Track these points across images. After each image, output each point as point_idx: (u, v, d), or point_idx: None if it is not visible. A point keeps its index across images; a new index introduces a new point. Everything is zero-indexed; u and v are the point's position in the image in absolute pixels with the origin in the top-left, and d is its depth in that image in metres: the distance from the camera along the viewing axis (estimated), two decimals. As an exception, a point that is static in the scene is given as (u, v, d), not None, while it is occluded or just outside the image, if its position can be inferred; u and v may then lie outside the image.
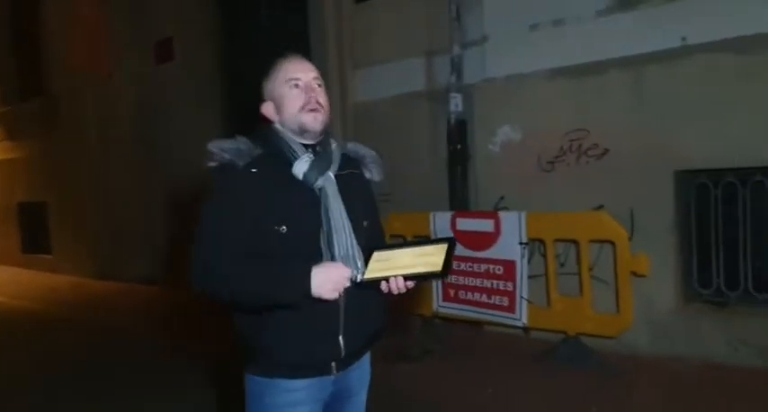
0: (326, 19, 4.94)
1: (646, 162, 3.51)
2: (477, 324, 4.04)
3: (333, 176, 1.47)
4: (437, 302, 3.99)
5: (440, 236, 3.88)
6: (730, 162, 3.34)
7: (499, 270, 3.68)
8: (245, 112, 5.93)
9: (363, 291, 1.43)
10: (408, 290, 1.41)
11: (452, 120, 4.30)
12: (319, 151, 1.48)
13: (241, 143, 1.44)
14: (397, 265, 1.41)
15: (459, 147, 4.30)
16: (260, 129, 1.53)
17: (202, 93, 6.19)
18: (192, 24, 6.23)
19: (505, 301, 3.67)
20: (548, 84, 3.87)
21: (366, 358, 1.61)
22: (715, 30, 3.26)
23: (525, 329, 3.77)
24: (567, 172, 3.81)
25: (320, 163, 1.46)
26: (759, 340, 3.23)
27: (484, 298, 3.76)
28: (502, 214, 3.70)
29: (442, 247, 1.41)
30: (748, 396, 2.95)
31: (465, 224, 3.84)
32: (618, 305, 3.34)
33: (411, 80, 4.55)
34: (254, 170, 1.41)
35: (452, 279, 3.87)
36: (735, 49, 3.20)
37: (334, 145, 1.54)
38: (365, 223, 1.53)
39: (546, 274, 3.60)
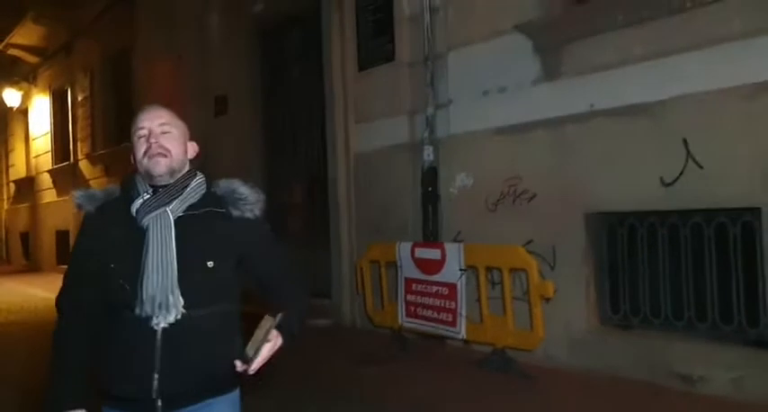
0: (335, 83, 6.04)
1: (564, 205, 4.23)
2: (439, 337, 4.83)
3: (170, 215, 1.49)
4: (402, 317, 4.84)
5: (403, 262, 4.78)
6: (631, 205, 4.00)
7: (445, 291, 4.49)
8: (279, 155, 7.19)
9: (191, 332, 1.46)
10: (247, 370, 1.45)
11: (425, 167, 5.20)
12: (160, 191, 1.52)
13: (98, 190, 1.62)
14: (254, 337, 1.43)
15: (430, 189, 5.18)
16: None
17: (246, 139, 7.49)
18: (241, 84, 7.58)
19: (450, 317, 4.46)
20: (493, 139, 4.69)
21: (215, 405, 1.55)
22: (614, 98, 3.99)
23: (465, 341, 4.52)
24: (506, 212, 4.58)
25: (152, 201, 1.50)
26: (654, 358, 3.81)
27: (434, 314, 4.57)
28: (446, 245, 4.54)
29: (267, 323, 1.42)
30: (635, 406, 3.50)
31: (421, 252, 4.70)
32: (531, 323, 4.05)
33: (397, 134, 5.48)
34: (102, 212, 1.56)
35: (412, 298, 4.73)
36: (627, 113, 3.91)
37: (194, 183, 1.57)
38: (210, 263, 1.50)
39: (478, 295, 4.36)
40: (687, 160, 3.63)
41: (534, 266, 4.02)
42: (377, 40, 5.70)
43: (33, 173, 14.31)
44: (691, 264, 3.77)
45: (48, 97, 13.59)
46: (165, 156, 1.53)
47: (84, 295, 1.53)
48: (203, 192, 1.58)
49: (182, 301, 1.46)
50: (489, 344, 4.27)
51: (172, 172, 1.55)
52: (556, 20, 4.33)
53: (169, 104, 6.81)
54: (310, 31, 6.50)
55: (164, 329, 1.45)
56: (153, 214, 1.49)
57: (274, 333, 1.46)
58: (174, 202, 1.52)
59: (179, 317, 1.46)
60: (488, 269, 4.36)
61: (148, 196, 1.52)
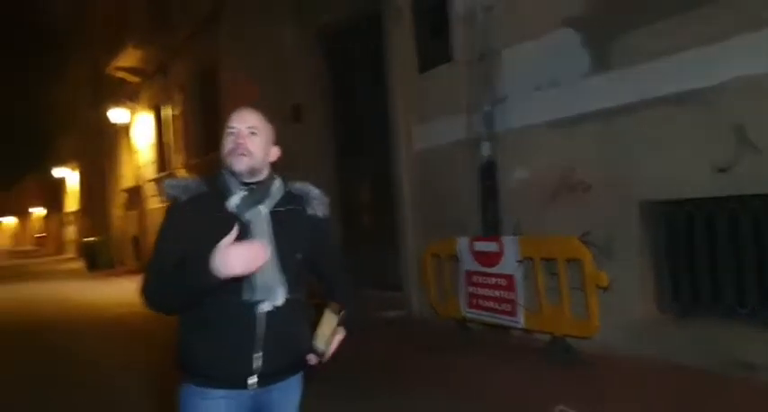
0: (397, 85, 6.32)
1: (619, 195, 4.26)
2: (502, 326, 4.98)
3: (265, 211, 1.63)
4: (464, 308, 5.04)
5: (463, 256, 4.98)
6: (687, 193, 3.97)
7: (503, 282, 4.65)
8: (348, 156, 7.59)
9: (286, 316, 1.61)
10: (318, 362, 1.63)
11: (483, 163, 5.36)
12: (254, 188, 1.65)
13: (189, 181, 1.69)
14: (321, 332, 1.61)
15: (488, 183, 5.33)
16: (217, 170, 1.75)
17: (319, 143, 7.96)
18: (312, 92, 8.06)
19: (509, 307, 4.61)
20: (547, 132, 4.77)
21: (292, 382, 1.72)
22: (665, 86, 3.97)
23: (527, 330, 4.64)
24: (563, 203, 4.65)
25: (251, 198, 1.63)
26: (714, 345, 3.78)
27: (494, 305, 4.74)
28: (503, 238, 4.69)
29: (334, 321, 1.61)
30: (694, 393, 3.49)
31: (479, 246, 4.87)
32: (587, 312, 4.12)
33: (456, 131, 5.67)
34: (194, 204, 1.62)
35: (473, 290, 4.91)
36: (679, 100, 3.88)
37: (277, 184, 1.70)
38: (298, 255, 1.67)
39: (536, 285, 4.47)
40: (743, 144, 3.57)
41: (588, 256, 4.09)
42: (434, 42, 5.92)
43: (140, 182, 15.75)
44: (752, 250, 3.70)
45: (149, 113, 14.92)
46: (246, 155, 1.64)
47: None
48: (283, 192, 1.71)
49: (286, 287, 1.61)
50: (548, 332, 4.38)
51: (252, 171, 1.65)
52: (603, 12, 4.35)
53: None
54: (373, 37, 6.82)
55: (267, 313, 1.59)
56: (252, 210, 1.62)
57: (340, 328, 1.63)
58: (267, 200, 1.66)
59: (282, 302, 1.60)
60: (545, 260, 4.47)
61: (245, 193, 1.63)
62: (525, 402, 3.53)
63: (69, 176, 27.40)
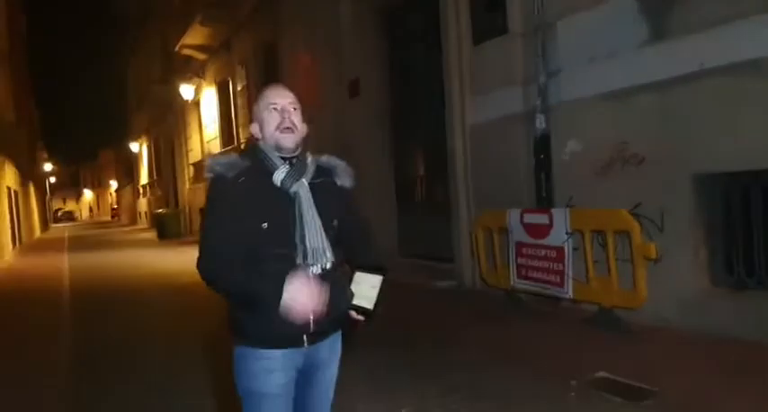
0: (452, 58, 6.37)
1: (672, 167, 4.22)
2: (551, 297, 5.06)
3: (306, 183, 1.74)
4: (513, 279, 5.15)
5: (513, 228, 5.07)
6: (744, 165, 3.90)
7: (553, 254, 4.72)
8: (404, 130, 7.74)
9: (331, 278, 1.72)
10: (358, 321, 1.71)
11: (538, 135, 5.38)
12: (295, 163, 1.75)
13: (232, 158, 1.74)
14: (359, 294, 1.69)
15: (542, 156, 5.36)
16: (249, 145, 1.82)
17: (377, 116, 8.12)
18: (370, 67, 8.20)
19: (557, 278, 4.69)
20: (601, 104, 4.74)
21: (336, 337, 1.86)
22: (724, 56, 3.88)
23: (574, 301, 4.71)
24: (616, 176, 4.64)
25: (295, 172, 1.73)
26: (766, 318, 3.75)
27: (543, 275, 4.82)
28: (553, 210, 4.74)
29: (377, 281, 1.68)
30: (739, 364, 3.49)
31: (529, 218, 4.95)
32: (635, 283, 4.15)
33: (511, 104, 5.69)
34: (241, 179, 1.69)
35: (523, 261, 5.01)
36: (738, 70, 3.79)
37: (309, 158, 1.80)
38: (335, 222, 1.80)
39: (584, 257, 4.52)
40: (802, 116, 3.48)
41: (637, 228, 4.10)
42: (490, 14, 5.92)
43: (206, 156, 16.47)
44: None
45: (214, 89, 15.50)
46: (293, 131, 1.74)
47: (231, 250, 1.65)
48: (315, 165, 1.81)
49: (331, 252, 1.73)
50: (596, 303, 4.45)
51: (296, 146, 1.76)
52: (661, -21, 4.25)
53: (311, 89, 7.85)
54: (429, 10, 6.85)
55: (318, 276, 1.69)
56: (297, 183, 1.72)
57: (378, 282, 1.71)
58: (306, 174, 1.75)
59: (330, 265, 1.73)
60: (594, 232, 4.50)
61: (288, 168, 1.73)
62: (568, 368, 3.64)
63: (143, 151, 28.88)
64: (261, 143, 1.78)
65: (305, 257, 1.69)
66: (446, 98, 6.50)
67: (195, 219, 17.57)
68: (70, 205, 67.99)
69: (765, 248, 3.86)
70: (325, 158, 1.87)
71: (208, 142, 16.49)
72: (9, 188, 17.32)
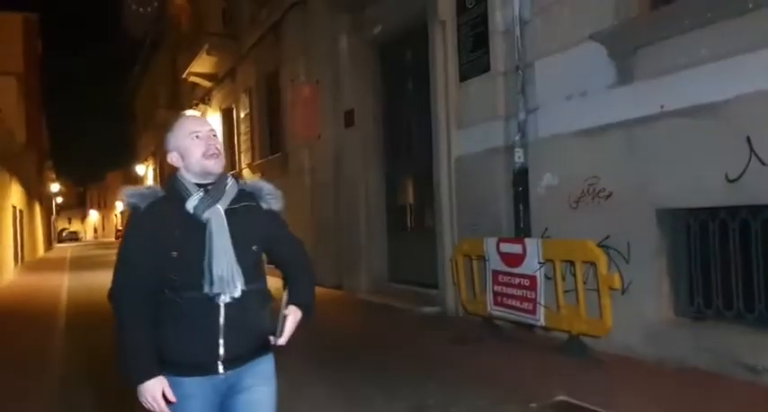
0: (439, 93, 6.68)
1: (637, 202, 4.45)
2: (527, 324, 5.24)
3: (221, 209, 1.73)
4: (490, 306, 5.34)
5: (490, 256, 5.29)
6: (701, 202, 4.13)
7: (526, 282, 4.92)
8: (395, 159, 8.02)
9: (245, 305, 1.72)
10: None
11: (516, 169, 5.64)
12: (210, 189, 1.75)
13: (145, 189, 1.77)
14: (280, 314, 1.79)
15: (520, 189, 5.61)
16: (169, 176, 1.84)
17: (370, 146, 8.43)
18: (364, 99, 8.55)
19: (530, 306, 4.88)
20: (574, 141, 5.00)
21: (261, 361, 1.82)
22: (682, 99, 4.15)
23: (547, 329, 4.89)
24: (587, 209, 4.87)
25: (208, 199, 1.73)
26: (723, 349, 3.92)
27: (517, 303, 5.02)
28: (526, 240, 4.97)
29: (286, 311, 1.80)
30: (696, 392, 3.68)
31: (505, 247, 5.17)
32: (601, 312, 4.35)
33: (493, 138, 5.97)
34: (153, 209, 1.72)
35: (498, 289, 5.21)
36: (694, 113, 4.05)
37: (230, 183, 1.80)
38: (254, 248, 1.79)
39: (554, 286, 4.72)
40: (750, 157, 3.72)
41: (603, 259, 4.32)
42: (475, 53, 6.25)
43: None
44: (762, 258, 3.83)
45: (219, 115, 15.93)
46: (219, 156, 1.77)
47: (141, 283, 1.69)
48: (237, 189, 1.81)
49: (242, 279, 1.71)
50: (565, 331, 4.63)
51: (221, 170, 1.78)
52: (626, 27, 4.55)
53: (310, 119, 8.21)
54: (420, 48, 7.21)
55: (226, 304, 1.70)
56: (210, 209, 1.72)
57: (291, 309, 1.81)
58: (222, 199, 1.75)
59: (240, 293, 1.71)
60: (565, 262, 4.71)
61: (202, 195, 1.74)
62: (530, 392, 3.81)
63: (148, 173, 29.34)
64: (179, 172, 1.80)
65: (212, 286, 1.69)
66: (433, 130, 6.79)
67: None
68: (75, 225, 68.50)
69: (722, 281, 4.06)
70: (250, 182, 1.90)
71: (211, 167, 16.85)
72: (14, 207, 17.66)
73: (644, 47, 4.40)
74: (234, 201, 1.78)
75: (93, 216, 68.74)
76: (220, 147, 1.80)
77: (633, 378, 4.05)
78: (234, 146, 14.68)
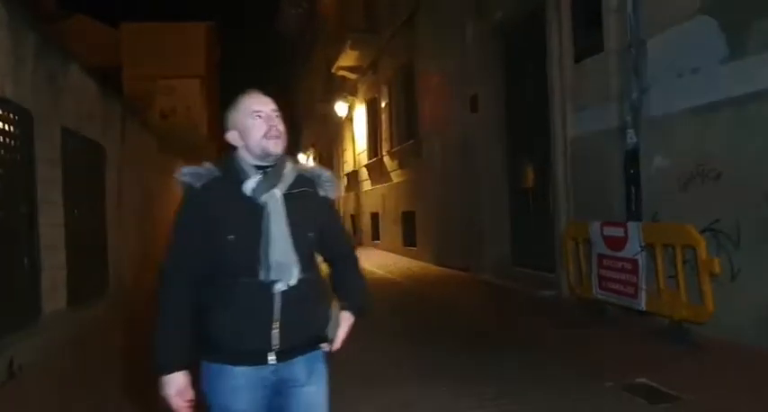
0: (555, 75, 6.64)
1: (747, 183, 4.18)
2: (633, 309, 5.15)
3: (279, 194, 1.66)
4: (595, 289, 5.32)
5: (595, 240, 5.27)
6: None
7: (628, 266, 4.85)
8: (516, 143, 8.11)
9: (300, 294, 1.66)
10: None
11: (628, 150, 5.48)
12: (269, 172, 1.68)
13: (201, 168, 1.68)
14: (332, 323, 1.76)
15: (632, 171, 5.45)
16: (226, 154, 1.76)
17: (492, 130, 8.58)
18: (487, 84, 8.69)
19: (632, 290, 4.81)
20: (685, 119, 4.77)
21: (314, 356, 1.75)
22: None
23: (644, 313, 4.78)
24: (696, 191, 4.65)
25: (266, 182, 1.66)
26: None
27: (620, 287, 4.96)
28: (628, 224, 4.87)
29: (339, 317, 1.77)
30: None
31: (608, 231, 5.11)
32: (702, 297, 4.18)
33: (606, 119, 5.84)
34: (210, 189, 1.65)
35: (603, 272, 5.18)
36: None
37: (288, 167, 1.73)
38: (310, 234, 1.72)
39: (656, 270, 4.59)
40: None
41: (702, 244, 4.15)
42: (589, 33, 6.13)
43: (357, 167, 17.98)
44: None
45: (364, 106, 16.93)
46: (280, 137, 1.70)
47: (192, 265, 1.65)
48: (296, 174, 1.74)
49: (299, 266, 1.65)
50: (666, 316, 4.52)
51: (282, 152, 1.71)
52: (737, -3, 4.25)
53: (439, 106, 8.92)
54: (537, 31, 7.18)
55: (282, 292, 1.63)
56: (268, 193, 1.65)
57: (345, 315, 1.80)
58: (281, 183, 1.69)
59: (296, 281, 1.64)
60: (666, 246, 4.57)
61: (260, 177, 1.67)
62: (615, 372, 3.87)
63: (309, 162, 31.92)
64: (237, 152, 1.74)
65: (268, 272, 1.63)
66: (549, 113, 6.78)
67: (347, 223, 19.17)
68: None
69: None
70: (309, 167, 1.85)
71: (359, 154, 17.97)
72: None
73: (757, 17, 4.08)
74: (292, 186, 1.72)
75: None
76: (282, 127, 1.72)
77: (732, 365, 3.88)
78: (377, 134, 15.54)
